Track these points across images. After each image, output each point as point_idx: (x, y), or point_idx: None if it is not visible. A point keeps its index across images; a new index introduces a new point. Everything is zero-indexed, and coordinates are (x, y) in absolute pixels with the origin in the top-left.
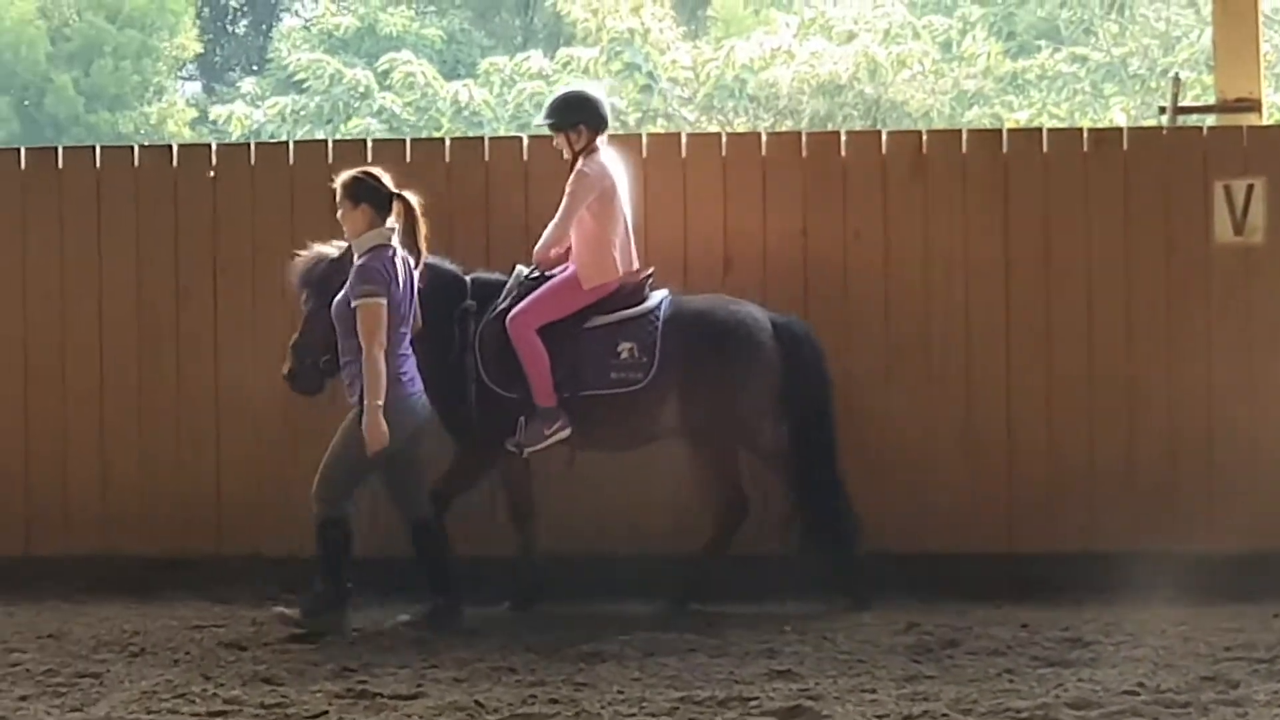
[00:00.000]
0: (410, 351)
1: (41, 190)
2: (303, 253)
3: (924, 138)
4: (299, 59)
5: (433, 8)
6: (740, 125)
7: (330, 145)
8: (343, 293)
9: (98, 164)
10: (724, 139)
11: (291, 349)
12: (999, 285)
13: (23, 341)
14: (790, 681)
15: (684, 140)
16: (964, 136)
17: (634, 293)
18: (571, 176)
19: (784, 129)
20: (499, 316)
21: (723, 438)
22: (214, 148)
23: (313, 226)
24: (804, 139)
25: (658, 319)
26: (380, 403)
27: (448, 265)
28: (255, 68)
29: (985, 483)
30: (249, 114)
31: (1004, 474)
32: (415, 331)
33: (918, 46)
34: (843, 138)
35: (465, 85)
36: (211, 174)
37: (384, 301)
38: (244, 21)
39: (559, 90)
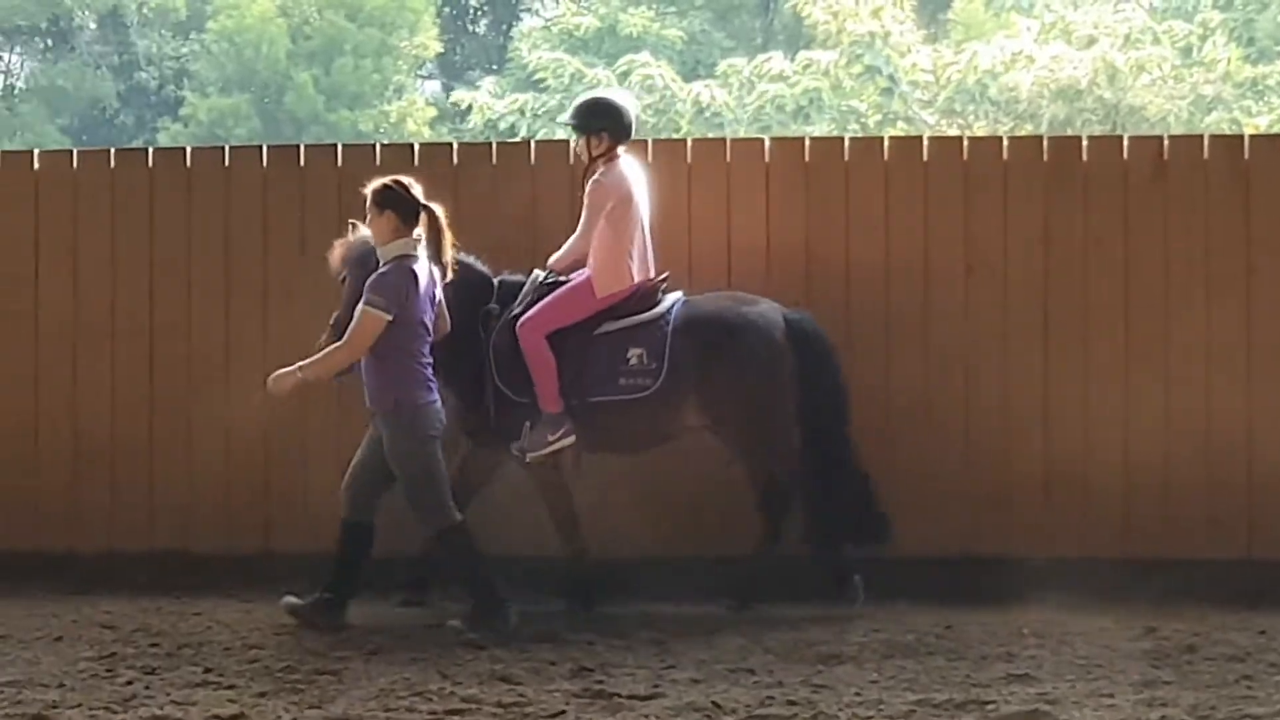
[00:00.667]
0: (430, 359)
1: (284, 187)
2: (346, 237)
3: (1165, 143)
4: (539, 58)
5: (673, 9)
6: (980, 129)
7: (572, 145)
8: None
9: (339, 162)
10: (965, 143)
11: (333, 326)
12: (1240, 294)
13: (261, 341)
14: (1028, 685)
15: (924, 144)
16: (1205, 142)
17: (646, 298)
18: (589, 187)
19: (1023, 133)
20: (512, 322)
21: (741, 439)
22: (455, 147)
23: (553, 223)
24: (1045, 143)
25: (668, 324)
26: (309, 374)
27: (479, 266)
28: (495, 67)
29: (1225, 491)
30: (491, 104)
31: (1244, 482)
32: (442, 333)
33: (1157, 52)
34: (1084, 143)
35: (705, 86)
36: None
37: (387, 317)
38: (484, 21)
39: (586, 94)
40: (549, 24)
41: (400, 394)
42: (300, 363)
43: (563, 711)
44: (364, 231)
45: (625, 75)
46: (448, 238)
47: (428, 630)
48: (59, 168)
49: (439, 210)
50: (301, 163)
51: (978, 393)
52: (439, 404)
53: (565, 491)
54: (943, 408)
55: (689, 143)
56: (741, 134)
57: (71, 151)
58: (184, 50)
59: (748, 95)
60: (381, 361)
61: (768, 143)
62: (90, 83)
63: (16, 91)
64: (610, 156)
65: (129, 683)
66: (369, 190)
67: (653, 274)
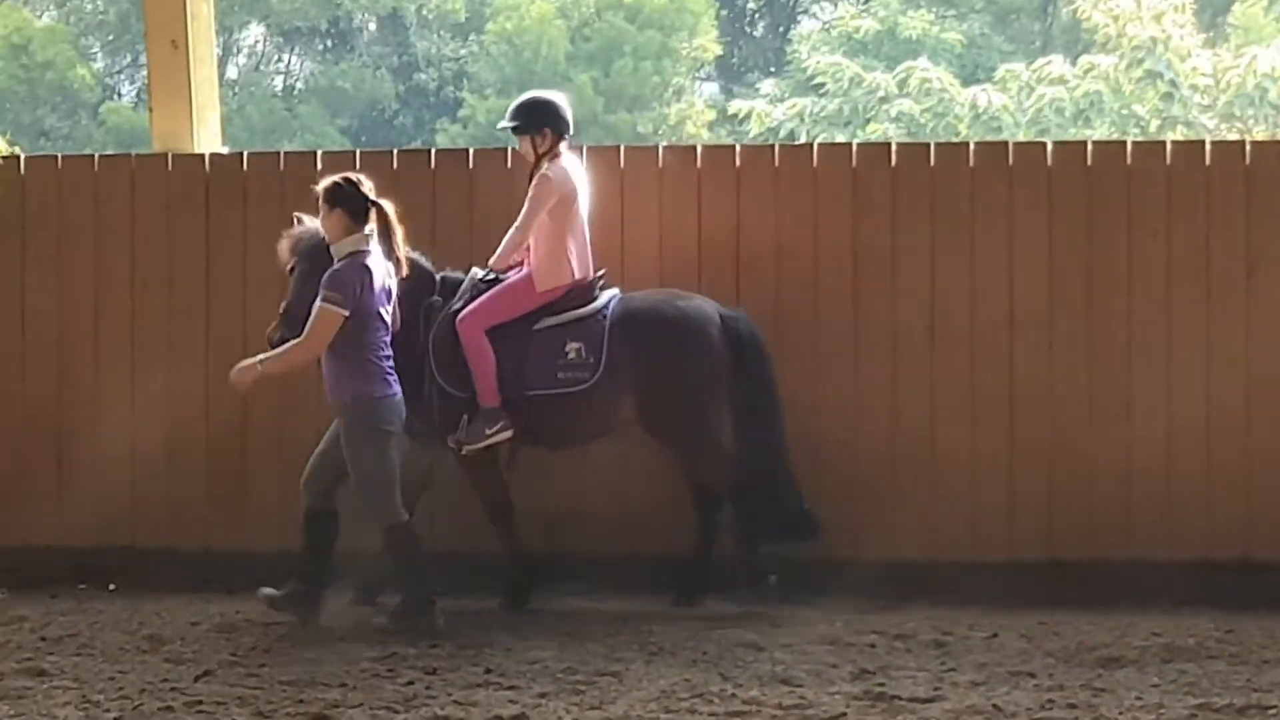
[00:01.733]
0: (390, 353)
1: None
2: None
3: None
4: (818, 62)
5: (953, 12)
6: (1260, 134)
7: (854, 148)
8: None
9: (621, 163)
10: (1247, 147)
11: (282, 315)
12: None
13: None
14: None
15: (1207, 148)
16: None
17: (584, 293)
18: (534, 181)
19: None
20: (451, 317)
21: (670, 433)
22: (737, 149)
23: (836, 227)
24: None
25: (605, 318)
26: (269, 369)
27: (423, 262)
28: (773, 70)
29: None
30: (769, 112)
31: None
32: (393, 330)
33: None
34: None
35: (984, 90)
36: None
37: (343, 313)
38: (762, 23)
39: (526, 95)
40: (827, 26)
41: (356, 388)
42: (261, 356)
43: (843, 714)
44: (311, 222)
45: (904, 80)
46: (398, 234)
47: (708, 630)
48: (342, 168)
49: (388, 207)
50: (583, 164)
51: None
52: (397, 397)
53: (501, 486)
54: None
55: (1009, 145)
56: (1021, 137)
57: (354, 152)
58: (463, 52)
59: (1026, 99)
60: (338, 356)
61: (1050, 146)
62: (370, 84)
63: (296, 92)
64: (553, 154)
65: (410, 683)
66: (319, 188)
67: (591, 271)
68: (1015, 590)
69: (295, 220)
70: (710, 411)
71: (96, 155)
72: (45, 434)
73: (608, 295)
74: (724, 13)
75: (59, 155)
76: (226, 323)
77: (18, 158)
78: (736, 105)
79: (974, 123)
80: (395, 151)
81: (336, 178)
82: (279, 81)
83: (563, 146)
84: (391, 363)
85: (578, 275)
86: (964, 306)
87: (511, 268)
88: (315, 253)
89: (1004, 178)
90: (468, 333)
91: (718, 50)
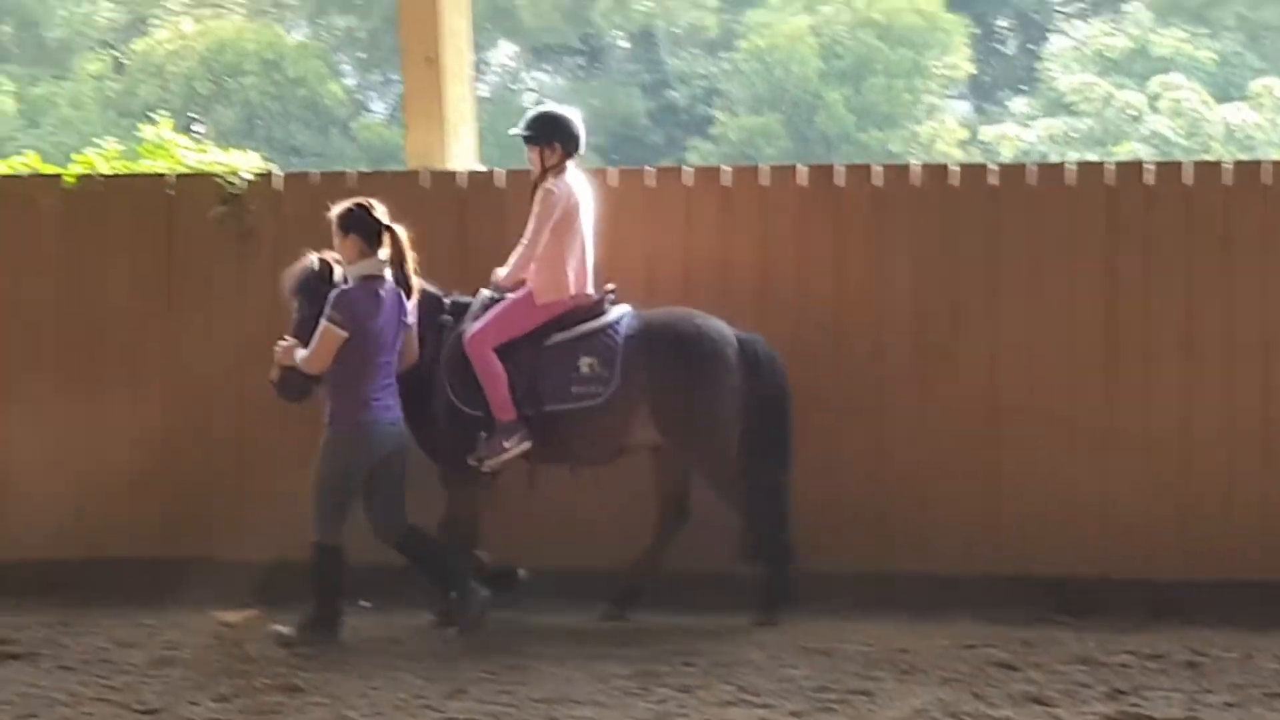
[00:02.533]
0: (391, 381)
1: (820, 205)
2: (298, 263)
3: None
4: (1070, 81)
5: (1205, 29)
6: None
7: (1108, 169)
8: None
9: (876, 181)
10: None
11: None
12: None
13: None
14: None
15: None
16: None
17: (593, 309)
18: (538, 196)
19: None
20: (459, 336)
21: (686, 449)
22: (991, 169)
23: (1089, 249)
24: None
25: (617, 332)
26: (282, 356)
27: (429, 287)
28: (1024, 88)
29: None
30: (1019, 134)
31: None
32: (409, 362)
33: None
34: None
35: (1236, 108)
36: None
37: (343, 334)
38: (1013, 41)
39: (538, 108)
40: (1079, 45)
41: (336, 408)
42: (286, 348)
43: None
44: (310, 258)
45: (1155, 97)
46: (410, 259)
47: (960, 649)
48: (596, 185)
49: (401, 231)
50: (839, 182)
51: None
52: (381, 425)
53: (476, 513)
54: None
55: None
56: (1274, 156)
57: (605, 170)
58: (714, 69)
59: None
60: (333, 375)
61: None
62: (621, 101)
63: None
64: (559, 169)
65: (662, 700)
66: (333, 214)
67: (591, 286)
68: (1270, 610)
69: (303, 255)
70: (721, 429)
71: (352, 172)
72: None
73: (618, 311)
74: (975, 31)
75: (315, 172)
76: None
77: (271, 174)
78: (986, 132)
79: (1227, 140)
80: (649, 169)
81: (349, 203)
82: (530, 99)
83: (569, 163)
84: (388, 390)
85: (575, 289)
86: (1219, 327)
87: (517, 286)
88: (309, 287)
89: (1259, 196)
90: (476, 351)
91: (970, 69)
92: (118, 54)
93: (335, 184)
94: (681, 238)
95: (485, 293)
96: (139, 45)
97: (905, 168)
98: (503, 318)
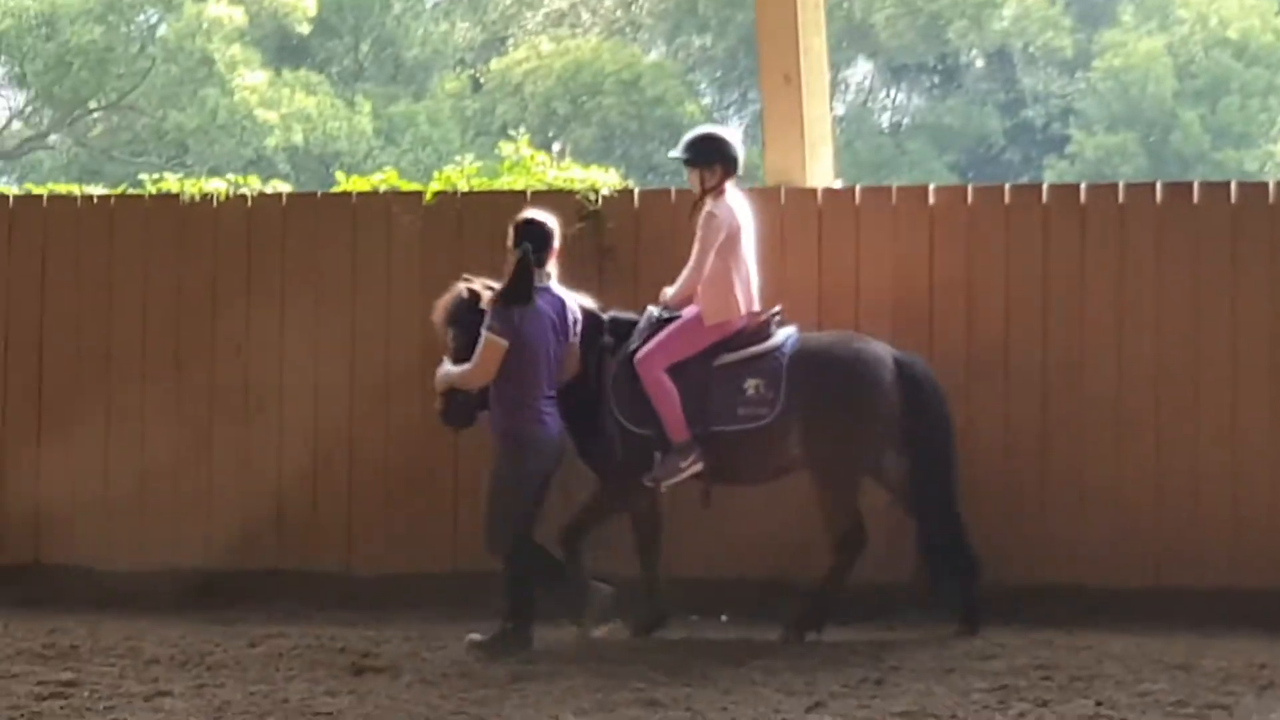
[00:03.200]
0: (554, 393)
1: (1176, 223)
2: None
3: None
4: None
5: None
6: None
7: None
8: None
9: (1233, 199)
10: None
11: (441, 391)
12: None
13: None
14: None
15: None
16: None
17: (759, 330)
18: (701, 219)
19: None
20: (629, 357)
21: (843, 469)
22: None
23: None
24: None
25: (783, 355)
26: (453, 379)
27: (590, 305)
28: None
29: None
30: None
31: None
32: (570, 373)
33: None
34: None
35: None
36: None
37: (504, 343)
38: None
39: (700, 129)
40: None
41: (508, 424)
42: (451, 368)
43: None
44: (459, 288)
45: None
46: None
47: None
48: (953, 203)
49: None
50: (1197, 200)
51: None
52: (553, 438)
53: (659, 522)
54: None
55: None
56: None
57: (966, 187)
58: (1070, 88)
59: None
60: (496, 390)
61: None
62: (977, 120)
63: (904, 128)
64: (720, 190)
65: (1021, 715)
66: (511, 226)
67: (756, 305)
68: None
69: (460, 281)
70: (879, 450)
71: None
72: None
73: (784, 333)
74: None
75: (673, 189)
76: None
77: (632, 191)
78: None
79: None
80: (1006, 187)
81: (523, 216)
82: (886, 118)
83: (729, 183)
84: (551, 402)
85: (744, 309)
86: None
87: (683, 305)
88: (461, 317)
89: None
90: (647, 372)
91: None
92: (474, 73)
93: (693, 201)
94: (1039, 254)
95: (653, 311)
96: (496, 65)
97: (1263, 185)
98: (673, 339)
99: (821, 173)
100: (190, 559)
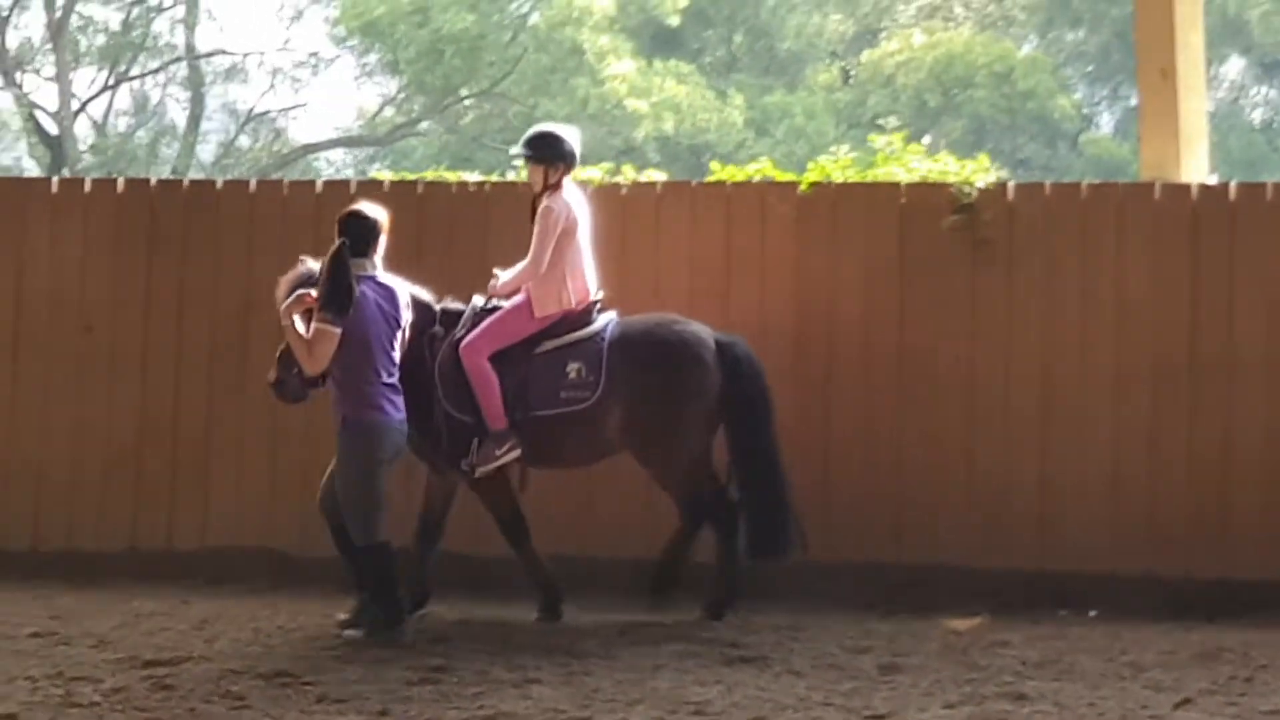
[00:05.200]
0: (394, 380)
1: None
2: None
3: None
4: None
5: None
6: None
7: None
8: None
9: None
10: None
11: (278, 359)
12: None
13: None
14: None
15: None
16: None
17: (581, 316)
18: (539, 214)
19: None
20: (454, 344)
21: (663, 448)
22: None
23: None
24: None
25: (603, 340)
26: (290, 335)
27: (422, 295)
28: None
29: None
30: None
31: None
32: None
33: None
34: None
35: None
36: None
37: (335, 331)
38: None
39: (540, 127)
40: None
41: (348, 411)
42: (298, 326)
43: None
44: (305, 264)
45: None
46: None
47: None
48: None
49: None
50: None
51: None
52: (392, 422)
53: (514, 505)
54: None
55: None
56: None
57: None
58: None
59: None
60: (335, 379)
61: None
62: None
63: (1275, 125)
64: (557, 186)
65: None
66: (337, 219)
67: (588, 297)
68: None
69: (299, 263)
70: (691, 431)
71: (1083, 183)
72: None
73: (605, 318)
74: None
75: (1046, 183)
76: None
77: (1005, 184)
78: None
79: None
80: None
81: (350, 209)
82: (1258, 114)
83: (566, 179)
84: (392, 389)
85: (575, 302)
86: None
87: (509, 295)
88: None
89: None
90: (471, 359)
91: None
92: (846, 66)
93: (1067, 195)
94: None
95: (478, 301)
96: (868, 57)
97: None
98: (498, 327)
99: (1196, 168)
100: (574, 548)
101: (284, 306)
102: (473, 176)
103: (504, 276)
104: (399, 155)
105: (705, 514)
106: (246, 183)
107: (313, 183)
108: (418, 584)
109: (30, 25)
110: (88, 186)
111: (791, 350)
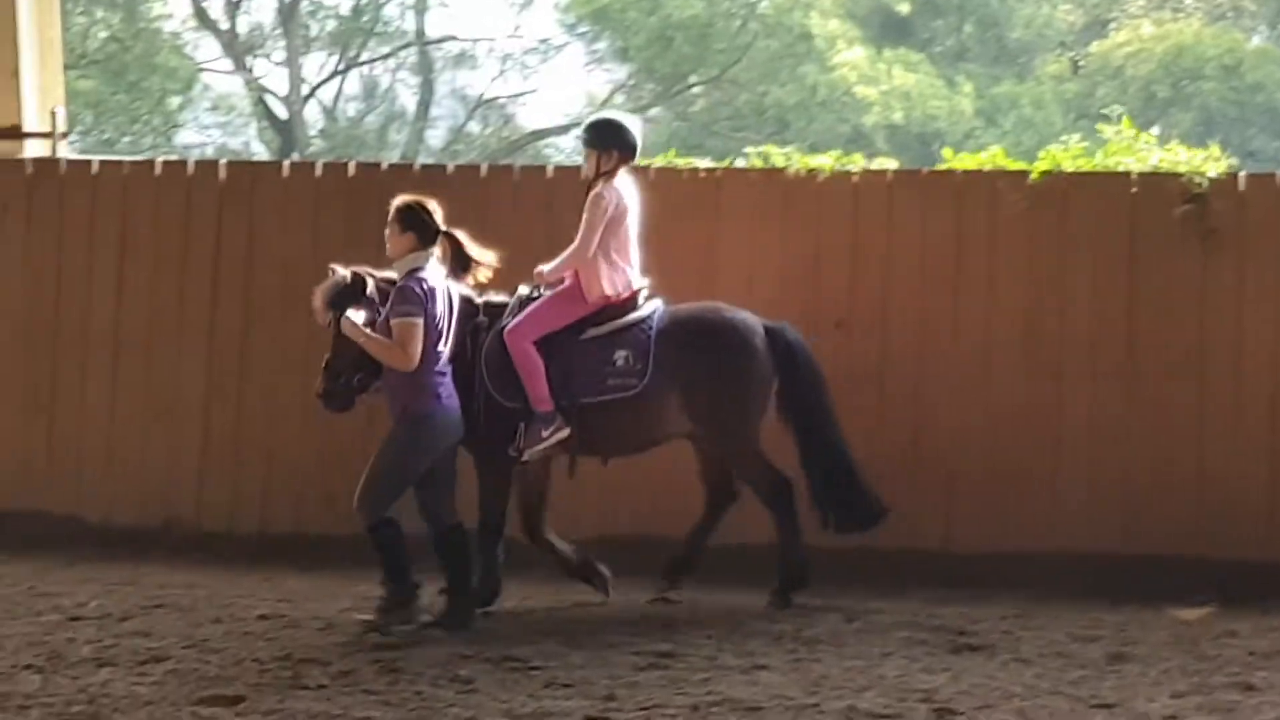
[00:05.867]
0: (448, 371)
1: None
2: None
3: None
4: None
5: None
6: None
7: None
8: (386, 311)
9: None
10: None
11: (325, 369)
12: None
13: None
14: None
15: None
16: None
17: (627, 304)
18: (589, 200)
19: None
20: (500, 332)
21: (730, 431)
22: None
23: None
24: None
25: (650, 326)
26: (368, 343)
27: (464, 289)
28: None
29: None
30: None
31: None
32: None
33: None
34: None
35: None
36: None
37: (419, 321)
38: None
39: (601, 114)
40: None
41: (407, 401)
42: (368, 332)
43: None
44: (341, 272)
45: None
46: (475, 259)
47: None
48: None
49: (461, 235)
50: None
51: None
52: (448, 415)
53: (504, 506)
54: None
55: None
56: None
57: None
58: None
59: None
60: (389, 371)
61: None
62: None
63: None
64: (612, 174)
65: None
66: (393, 206)
67: (635, 285)
68: None
69: (330, 273)
70: (753, 413)
71: None
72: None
73: (651, 305)
74: None
75: (1278, 174)
76: None
77: (1236, 174)
78: None
79: None
80: None
81: (410, 200)
82: None
83: (622, 169)
84: (447, 377)
85: (623, 290)
86: None
87: (553, 283)
88: (345, 299)
89: None
90: (515, 344)
91: None
92: (1075, 56)
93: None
94: None
95: (523, 290)
96: (1097, 47)
97: None
98: (545, 311)
99: None
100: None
101: (348, 322)
102: (703, 162)
103: (549, 264)
104: None
105: (773, 493)
106: (477, 167)
107: (544, 168)
108: (490, 577)
109: (261, 10)
110: (319, 170)
111: (1020, 339)
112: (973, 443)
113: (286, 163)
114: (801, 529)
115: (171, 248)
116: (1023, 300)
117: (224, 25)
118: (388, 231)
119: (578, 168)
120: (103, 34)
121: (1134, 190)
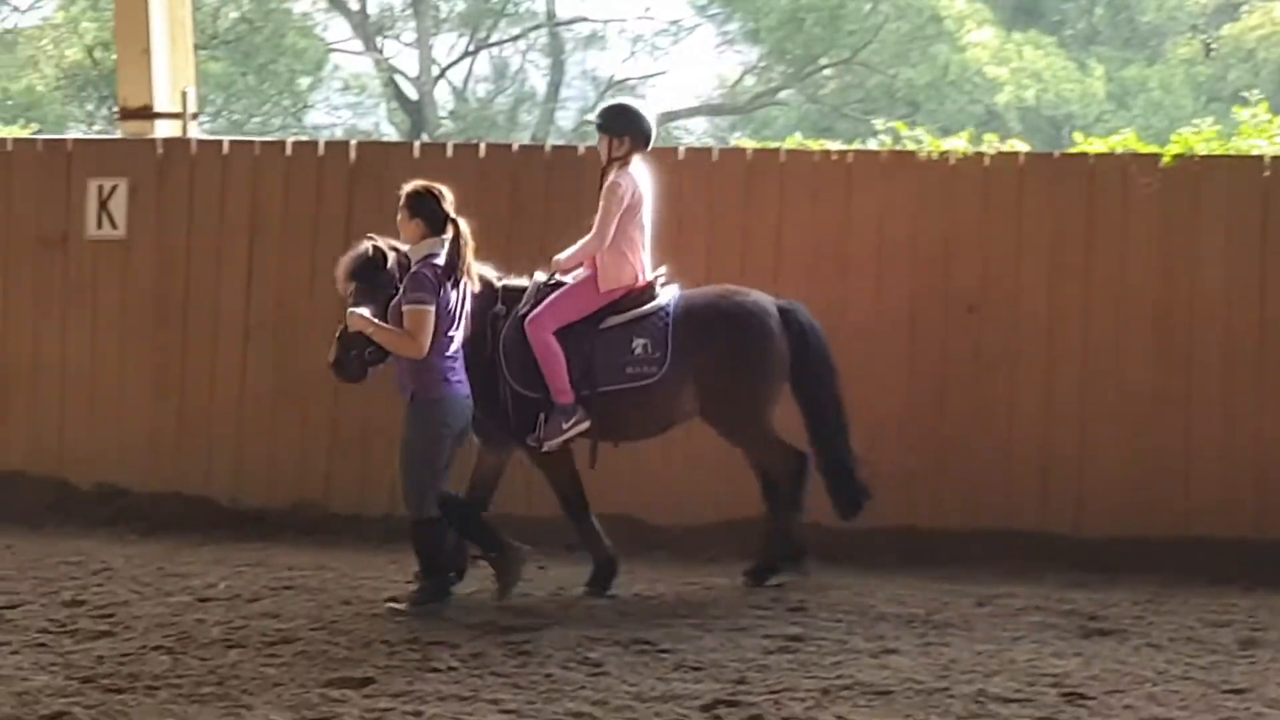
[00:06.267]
0: (459, 356)
1: None
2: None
3: None
4: None
5: None
6: None
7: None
8: (399, 296)
9: None
10: None
11: (337, 339)
12: None
13: None
14: None
15: None
16: None
17: (645, 292)
18: (604, 188)
19: None
20: (519, 320)
21: (744, 417)
22: None
23: None
24: None
25: (668, 314)
26: (376, 333)
27: (487, 274)
28: None
29: None
30: None
31: None
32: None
33: None
34: None
35: None
36: None
37: (431, 309)
38: None
39: (616, 100)
40: None
41: (417, 386)
42: (377, 322)
43: None
44: (364, 245)
45: None
46: (468, 252)
47: None
48: None
49: (464, 225)
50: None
51: None
52: (459, 397)
53: (576, 482)
54: None
55: None
56: None
57: None
58: None
59: None
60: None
61: None
62: None
63: None
64: (625, 160)
65: None
66: (403, 192)
67: (649, 273)
68: None
69: (364, 239)
70: (768, 397)
71: None
72: None
73: (668, 293)
74: None
75: None
76: None
77: None
78: None
79: None
80: None
81: (420, 186)
82: None
83: (635, 155)
84: (458, 362)
85: (640, 277)
86: None
87: (571, 270)
88: (364, 273)
89: None
90: (536, 334)
91: None
92: (1206, 39)
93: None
94: None
95: (540, 277)
96: (1229, 30)
97: None
98: (564, 302)
99: None
100: (916, 518)
101: (354, 316)
102: (834, 145)
103: (566, 252)
104: (759, 124)
105: (789, 471)
106: None
107: (674, 149)
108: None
109: None
110: (450, 151)
111: (1151, 324)
112: (1104, 428)
113: (417, 144)
114: (804, 507)
115: (302, 229)
116: (1154, 285)
117: (354, 6)
118: (399, 217)
119: (709, 149)
120: (233, 15)
121: (1266, 174)
